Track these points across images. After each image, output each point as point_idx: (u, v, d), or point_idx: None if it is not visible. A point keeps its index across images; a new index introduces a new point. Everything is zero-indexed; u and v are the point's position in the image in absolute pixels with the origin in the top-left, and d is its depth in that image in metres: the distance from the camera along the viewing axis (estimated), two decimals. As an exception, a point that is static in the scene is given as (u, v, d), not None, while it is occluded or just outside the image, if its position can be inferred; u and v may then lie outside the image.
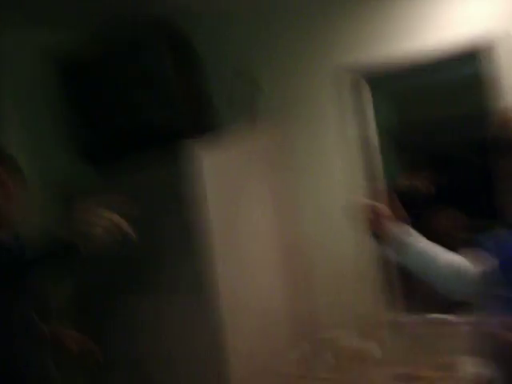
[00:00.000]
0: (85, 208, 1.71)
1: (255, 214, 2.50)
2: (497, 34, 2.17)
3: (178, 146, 2.25)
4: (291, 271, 2.63)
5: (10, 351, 1.72)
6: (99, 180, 2.56)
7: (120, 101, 2.58)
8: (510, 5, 2.17)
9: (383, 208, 1.61)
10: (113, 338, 2.45)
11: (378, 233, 1.61)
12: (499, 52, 2.17)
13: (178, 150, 2.24)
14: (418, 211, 2.47)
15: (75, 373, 2.35)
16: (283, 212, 2.65)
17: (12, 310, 1.74)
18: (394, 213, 1.62)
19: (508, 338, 1.28)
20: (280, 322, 2.53)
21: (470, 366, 1.79)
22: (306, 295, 2.65)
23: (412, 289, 2.44)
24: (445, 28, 2.29)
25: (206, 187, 2.26)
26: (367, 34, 2.46)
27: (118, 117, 2.61)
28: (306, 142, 2.66)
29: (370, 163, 2.50)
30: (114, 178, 2.46)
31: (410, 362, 2.24)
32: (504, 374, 1.34)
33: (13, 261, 1.73)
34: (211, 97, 2.76)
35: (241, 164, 2.48)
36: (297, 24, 2.63)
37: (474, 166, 2.43)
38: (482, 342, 1.38)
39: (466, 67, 2.35)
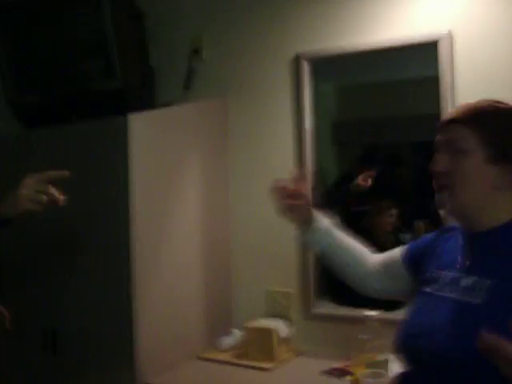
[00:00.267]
0: (24, 183, 1.67)
1: (184, 195, 2.37)
2: (446, 33, 2.10)
3: (115, 117, 2.14)
4: (215, 260, 2.53)
5: None
6: (34, 143, 2.41)
7: (60, 64, 2.45)
8: (464, 4, 2.10)
9: (299, 188, 1.61)
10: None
11: (293, 214, 1.62)
12: (449, 51, 2.09)
13: (115, 121, 2.14)
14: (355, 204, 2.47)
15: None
16: (214, 193, 2.54)
17: None
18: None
19: None
20: (196, 308, 2.42)
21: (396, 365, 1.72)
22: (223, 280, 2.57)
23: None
24: (400, 24, 2.21)
25: (139, 161, 2.14)
26: (323, 24, 2.36)
27: (57, 81, 2.47)
28: (248, 124, 2.55)
29: (307, 153, 2.40)
30: (49, 143, 2.34)
31: (338, 357, 2.16)
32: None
33: None
34: (154, 67, 2.65)
35: (177, 140, 2.36)
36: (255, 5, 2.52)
37: (413, 165, 2.46)
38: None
39: (416, 66, 2.29)
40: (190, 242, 2.40)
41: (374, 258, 1.63)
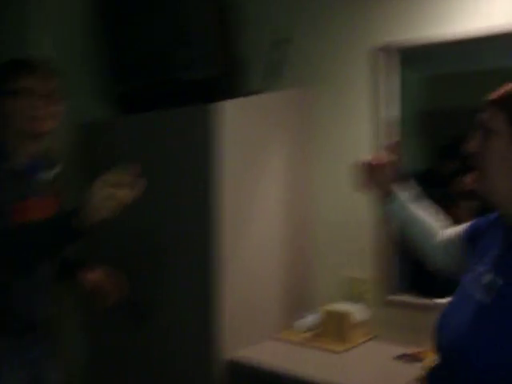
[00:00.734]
0: (92, 192, 1.62)
1: (267, 182, 2.47)
2: None
3: (205, 104, 2.26)
4: (296, 243, 2.61)
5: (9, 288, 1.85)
6: (129, 128, 2.58)
7: (153, 54, 2.58)
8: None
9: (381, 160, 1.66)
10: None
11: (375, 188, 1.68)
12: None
13: (205, 109, 2.25)
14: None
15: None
16: (296, 179, 2.61)
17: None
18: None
19: None
20: (276, 289, 2.52)
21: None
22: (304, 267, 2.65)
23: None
24: (486, 13, 2.18)
25: (226, 146, 2.25)
26: (407, 14, 2.37)
27: (151, 70, 2.61)
28: (331, 113, 2.60)
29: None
30: (142, 128, 2.51)
31: (411, 343, 2.20)
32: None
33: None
34: (243, 58, 2.75)
35: (263, 126, 2.45)
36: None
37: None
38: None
39: (504, 56, 2.24)
40: (272, 227, 2.49)
41: (444, 232, 1.65)
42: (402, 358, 2.16)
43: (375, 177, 1.67)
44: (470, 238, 1.49)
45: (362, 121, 2.49)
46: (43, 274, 1.97)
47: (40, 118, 1.86)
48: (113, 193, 1.61)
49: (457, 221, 2.31)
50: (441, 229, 1.67)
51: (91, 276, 2.09)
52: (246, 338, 2.34)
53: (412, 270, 2.50)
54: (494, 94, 1.30)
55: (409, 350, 2.19)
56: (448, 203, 2.40)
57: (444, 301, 2.00)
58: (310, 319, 2.49)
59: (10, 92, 1.85)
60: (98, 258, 2.63)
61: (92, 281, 2.08)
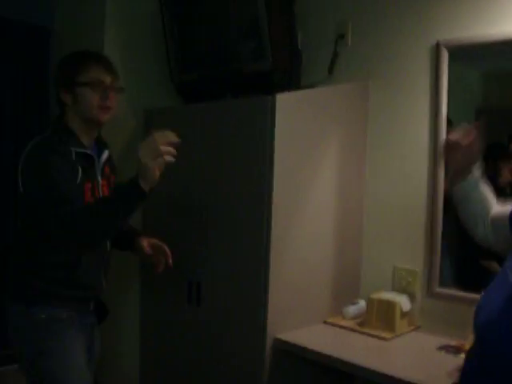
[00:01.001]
0: (146, 142, 1.84)
1: (321, 174, 2.55)
2: None
3: (264, 96, 2.36)
4: (347, 232, 2.70)
5: (79, 263, 2.05)
6: (191, 116, 2.70)
7: (217, 46, 2.70)
8: None
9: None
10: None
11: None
12: None
13: (264, 100, 2.35)
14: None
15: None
16: (350, 171, 2.69)
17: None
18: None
19: None
20: (325, 276, 2.61)
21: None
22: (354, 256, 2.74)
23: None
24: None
25: (283, 136, 2.35)
26: (467, 12, 2.40)
27: (214, 61, 2.73)
28: (388, 108, 2.66)
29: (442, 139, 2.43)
30: (203, 117, 2.64)
31: (456, 336, 2.26)
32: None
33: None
34: (301, 50, 2.82)
35: (317, 120, 2.53)
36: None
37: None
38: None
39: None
40: (324, 216, 2.59)
41: (495, 210, 1.72)
42: (445, 348, 2.23)
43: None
44: None
45: (421, 117, 2.54)
46: (105, 249, 2.17)
47: (106, 107, 2.06)
48: (158, 155, 1.81)
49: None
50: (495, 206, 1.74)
51: (149, 241, 2.31)
52: (294, 320, 2.45)
53: (460, 263, 2.57)
54: None
55: (452, 342, 2.26)
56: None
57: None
58: (358, 306, 2.58)
59: (81, 83, 2.02)
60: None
61: (150, 245, 2.30)
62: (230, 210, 2.50)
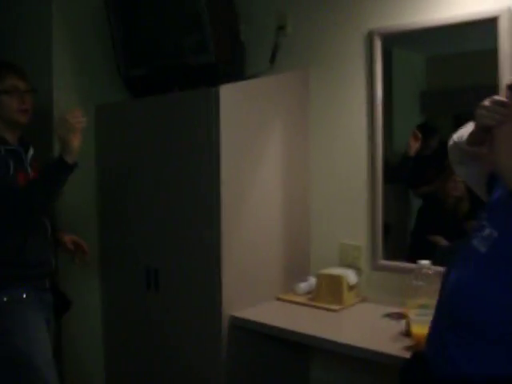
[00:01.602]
0: (58, 129, 2.24)
1: (267, 158, 2.69)
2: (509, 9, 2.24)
3: (209, 88, 2.48)
4: (294, 214, 2.84)
5: (25, 242, 2.26)
6: (139, 110, 2.81)
7: (162, 41, 2.80)
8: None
9: None
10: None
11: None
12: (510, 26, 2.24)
13: (209, 91, 2.47)
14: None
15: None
16: (295, 155, 2.84)
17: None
18: None
19: None
20: (275, 256, 2.76)
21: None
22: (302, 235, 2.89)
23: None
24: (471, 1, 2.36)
25: (228, 126, 2.48)
26: (394, 2, 2.56)
27: (159, 56, 2.83)
28: (327, 93, 2.81)
29: (378, 121, 2.63)
30: (151, 110, 2.75)
31: (399, 303, 2.40)
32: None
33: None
34: (243, 42, 2.97)
35: (261, 109, 2.66)
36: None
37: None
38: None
39: (483, 39, 2.42)
40: (272, 198, 2.73)
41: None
42: (389, 315, 2.40)
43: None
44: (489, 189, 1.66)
45: (358, 101, 2.69)
46: (47, 229, 2.38)
47: (24, 109, 2.32)
48: (71, 125, 2.19)
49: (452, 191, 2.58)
50: None
51: (69, 237, 2.56)
52: (248, 298, 2.59)
53: (409, 239, 2.75)
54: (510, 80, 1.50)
55: (395, 309, 2.41)
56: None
57: (426, 262, 2.25)
58: (309, 283, 2.73)
59: (0, 91, 2.27)
60: (113, 229, 2.90)
61: (71, 242, 2.55)
62: (181, 198, 2.61)
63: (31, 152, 2.38)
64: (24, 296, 2.22)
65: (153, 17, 2.81)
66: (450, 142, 1.76)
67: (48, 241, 2.38)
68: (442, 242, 2.55)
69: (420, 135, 2.60)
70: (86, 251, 2.56)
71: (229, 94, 2.48)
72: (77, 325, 2.88)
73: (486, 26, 2.30)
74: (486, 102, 1.49)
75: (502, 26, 2.24)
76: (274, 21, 2.92)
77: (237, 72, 2.85)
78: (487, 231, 1.47)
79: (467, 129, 1.64)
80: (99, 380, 3.04)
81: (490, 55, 2.31)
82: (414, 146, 2.61)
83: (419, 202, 2.76)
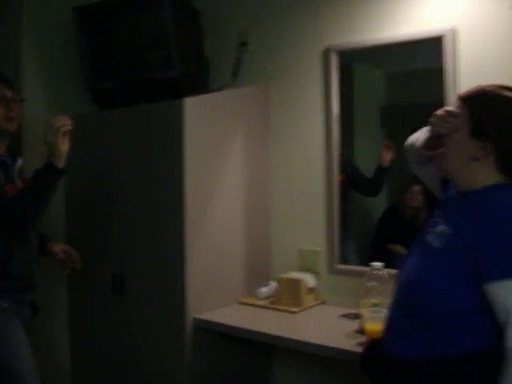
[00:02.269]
0: (45, 136, 2.18)
1: (229, 168, 2.81)
2: (450, 29, 2.41)
3: (174, 100, 2.60)
4: (255, 221, 2.97)
5: (11, 254, 2.24)
6: (107, 122, 2.92)
7: (129, 55, 2.93)
8: (468, 2, 2.41)
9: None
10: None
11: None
12: (456, 44, 2.42)
13: (174, 104, 2.59)
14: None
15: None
16: (256, 166, 2.97)
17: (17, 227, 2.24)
18: None
19: None
20: (238, 261, 2.88)
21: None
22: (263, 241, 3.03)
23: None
24: (412, 20, 2.55)
25: (192, 137, 2.60)
26: (353, 19, 2.72)
27: (126, 70, 2.95)
28: (286, 108, 2.96)
29: (333, 135, 2.79)
30: (118, 122, 2.86)
31: (352, 305, 2.55)
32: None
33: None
34: (207, 57, 3.12)
35: (223, 120, 2.79)
36: (292, 1, 2.92)
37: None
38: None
39: (427, 57, 2.61)
40: (235, 206, 2.85)
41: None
42: (346, 316, 2.54)
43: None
44: (443, 187, 1.80)
45: (315, 114, 2.84)
46: (33, 243, 2.37)
47: (12, 117, 2.31)
48: (56, 129, 2.16)
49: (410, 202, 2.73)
50: None
51: (60, 247, 2.55)
52: (212, 302, 2.70)
53: (368, 247, 2.88)
54: (464, 92, 1.63)
55: (352, 310, 2.55)
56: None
57: (378, 264, 2.40)
58: (270, 287, 2.85)
59: None
60: (80, 236, 2.98)
61: (62, 251, 2.54)
62: (147, 205, 2.72)
63: (19, 162, 2.39)
64: (5, 305, 2.20)
65: (120, 32, 2.93)
66: (407, 144, 1.91)
67: (33, 254, 2.37)
68: (401, 250, 2.64)
69: (393, 145, 2.70)
70: (77, 262, 2.54)
71: (193, 106, 2.60)
72: (43, 331, 2.94)
73: (434, 45, 2.47)
74: (439, 112, 1.64)
75: (447, 46, 2.42)
76: (236, 37, 3.08)
77: (201, 86, 2.99)
78: (440, 227, 1.60)
79: (422, 132, 1.80)
80: (65, 385, 3.10)
81: (438, 73, 2.46)
82: (387, 157, 2.73)
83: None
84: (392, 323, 1.68)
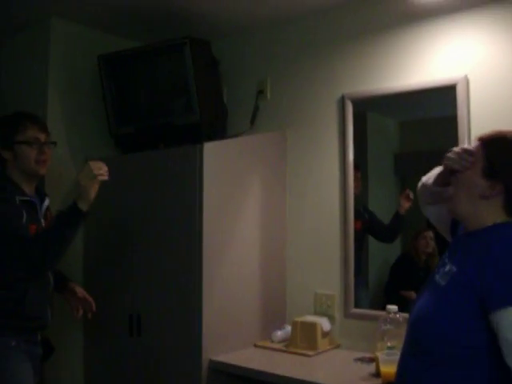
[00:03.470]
0: (83, 169, 2.29)
1: (246, 212, 2.87)
2: (463, 77, 2.49)
3: (193, 145, 2.68)
4: (272, 264, 3.01)
5: (26, 293, 2.26)
6: (128, 165, 2.99)
7: (151, 102, 3.04)
8: (480, 51, 2.51)
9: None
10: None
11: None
12: (468, 92, 2.49)
13: (193, 148, 2.67)
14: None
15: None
16: (273, 210, 3.03)
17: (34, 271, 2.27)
18: None
19: None
20: (253, 304, 2.91)
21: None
22: (279, 285, 3.05)
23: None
24: (425, 68, 2.64)
25: (211, 181, 2.67)
26: (364, 71, 2.83)
27: (148, 116, 3.06)
28: (303, 153, 3.04)
29: (349, 181, 2.84)
30: (139, 165, 2.94)
31: (367, 348, 2.57)
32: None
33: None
34: (226, 104, 3.23)
35: (241, 165, 2.87)
36: (308, 52, 3.03)
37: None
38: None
39: (440, 105, 2.68)
40: (251, 250, 2.89)
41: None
42: (360, 359, 2.54)
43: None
44: (453, 232, 1.85)
45: (331, 160, 2.92)
46: (49, 283, 2.40)
47: (43, 160, 2.38)
48: (93, 175, 2.25)
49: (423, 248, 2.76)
50: None
51: (81, 290, 2.60)
52: (227, 345, 2.71)
53: (382, 293, 2.90)
54: (484, 133, 1.68)
55: (366, 354, 2.56)
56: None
57: (394, 307, 2.41)
58: (285, 331, 2.87)
59: (21, 142, 2.34)
60: (97, 276, 3.02)
61: (80, 292, 2.59)
62: (164, 247, 2.77)
63: (46, 203, 2.43)
64: (13, 344, 2.20)
65: (142, 79, 3.04)
66: (419, 184, 1.96)
67: (48, 294, 2.39)
68: (414, 296, 2.65)
69: (412, 195, 2.70)
70: (94, 309, 2.57)
71: (212, 150, 2.68)
72: (59, 370, 2.96)
73: (446, 93, 2.55)
74: (456, 149, 1.69)
75: (460, 93, 2.49)
76: (254, 85, 3.19)
77: (219, 132, 3.07)
78: (448, 267, 1.65)
79: (434, 172, 1.85)
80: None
81: (452, 121, 2.53)
82: (406, 205, 2.77)
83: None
84: (403, 364, 1.70)
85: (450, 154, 1.70)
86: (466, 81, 2.49)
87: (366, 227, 2.90)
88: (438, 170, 1.83)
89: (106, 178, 2.28)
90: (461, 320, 1.53)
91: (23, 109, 2.52)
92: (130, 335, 2.84)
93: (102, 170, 2.27)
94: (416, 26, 2.67)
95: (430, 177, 1.88)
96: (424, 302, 1.66)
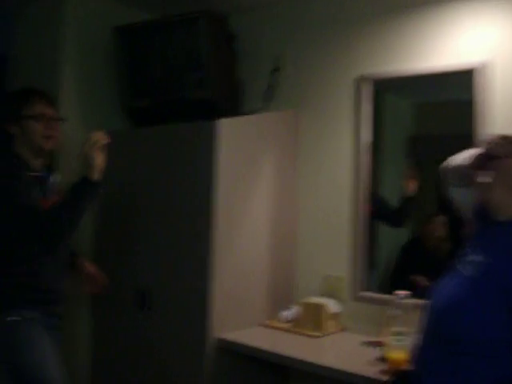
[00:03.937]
0: (84, 141, 2.26)
1: (257, 190, 2.85)
2: (485, 61, 2.46)
3: (207, 121, 2.66)
4: (281, 245, 3.00)
5: (42, 267, 2.28)
6: (141, 139, 2.98)
7: (165, 76, 2.99)
8: (499, 36, 2.47)
9: None
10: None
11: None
12: (486, 77, 2.45)
13: (207, 125, 2.65)
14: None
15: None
16: (284, 190, 3.01)
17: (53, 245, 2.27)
18: None
19: None
20: (262, 284, 2.90)
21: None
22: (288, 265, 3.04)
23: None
24: (445, 51, 2.60)
25: (223, 158, 2.64)
26: (382, 51, 2.79)
27: (161, 90, 3.02)
28: (316, 132, 3.01)
29: (363, 162, 2.82)
30: (152, 139, 2.92)
31: (374, 332, 2.56)
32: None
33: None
34: (241, 81, 3.18)
35: (254, 143, 2.84)
36: (327, 30, 2.99)
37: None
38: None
39: (458, 89, 2.65)
40: (262, 229, 2.88)
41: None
42: (367, 343, 2.54)
43: None
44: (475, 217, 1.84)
45: (345, 142, 2.89)
46: (64, 257, 2.41)
47: (50, 135, 2.36)
48: (94, 141, 2.24)
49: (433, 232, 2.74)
50: None
51: (89, 264, 2.61)
52: (235, 323, 2.71)
53: (391, 276, 2.88)
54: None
55: (373, 338, 2.55)
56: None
57: (404, 293, 2.39)
58: (292, 311, 2.86)
59: (28, 117, 2.32)
60: (107, 251, 3.02)
61: (91, 267, 2.61)
62: (175, 223, 2.76)
63: (56, 178, 2.43)
64: (29, 316, 2.22)
65: (158, 53, 3.00)
66: (446, 165, 1.95)
67: (63, 267, 2.41)
68: (423, 281, 2.64)
69: (415, 173, 2.73)
70: (103, 283, 2.60)
71: (226, 127, 2.65)
72: (66, 344, 2.96)
73: (465, 77, 2.51)
74: (498, 135, 1.70)
75: (478, 78, 2.46)
76: (270, 63, 3.13)
77: (233, 108, 3.04)
78: (473, 256, 1.64)
79: (465, 154, 1.83)
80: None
81: (468, 105, 2.49)
82: (411, 186, 2.75)
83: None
84: (423, 352, 1.69)
85: (495, 139, 1.68)
86: (486, 66, 2.45)
87: (376, 213, 2.86)
88: (469, 152, 1.80)
89: (105, 141, 2.27)
90: (487, 312, 1.53)
91: (36, 80, 2.49)
92: (140, 309, 2.85)
93: (100, 136, 2.26)
94: (438, 9, 2.63)
95: (460, 159, 1.85)
96: (451, 292, 1.64)
